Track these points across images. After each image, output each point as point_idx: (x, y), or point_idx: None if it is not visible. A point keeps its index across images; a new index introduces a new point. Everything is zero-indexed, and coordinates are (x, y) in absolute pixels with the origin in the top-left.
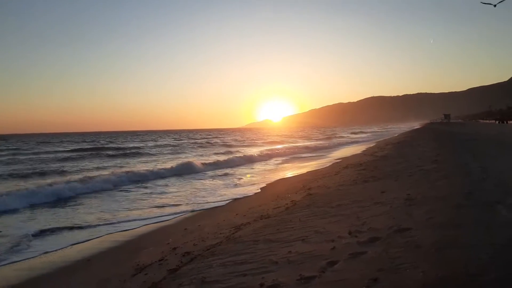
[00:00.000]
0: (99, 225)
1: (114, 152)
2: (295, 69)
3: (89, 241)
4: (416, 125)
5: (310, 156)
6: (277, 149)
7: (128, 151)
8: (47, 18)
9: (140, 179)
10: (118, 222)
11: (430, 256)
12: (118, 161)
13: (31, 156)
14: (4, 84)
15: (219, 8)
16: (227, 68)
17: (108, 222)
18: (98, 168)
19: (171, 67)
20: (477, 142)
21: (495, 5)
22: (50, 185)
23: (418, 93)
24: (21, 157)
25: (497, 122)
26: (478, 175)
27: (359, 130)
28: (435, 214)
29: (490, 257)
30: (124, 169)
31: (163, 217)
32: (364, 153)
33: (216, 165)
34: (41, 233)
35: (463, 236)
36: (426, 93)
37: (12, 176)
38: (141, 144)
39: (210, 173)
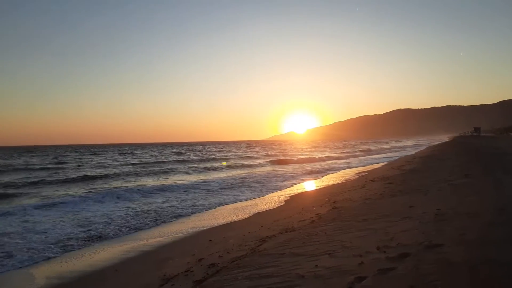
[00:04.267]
0: None
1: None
2: (320, 82)
3: (115, 249)
4: (445, 138)
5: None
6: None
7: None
8: (56, 27)
9: None
10: None
11: (463, 274)
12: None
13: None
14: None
15: (246, 23)
16: (251, 81)
17: None
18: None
19: (196, 80)
20: (509, 157)
21: None
22: None
23: (447, 106)
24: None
25: None
26: (510, 190)
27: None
28: (467, 230)
29: None
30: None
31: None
32: (391, 166)
33: None
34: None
35: (497, 254)
36: (455, 106)
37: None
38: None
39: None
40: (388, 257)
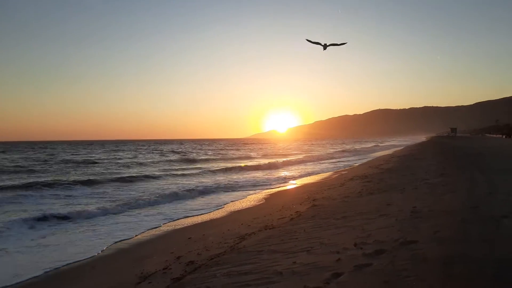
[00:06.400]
0: None
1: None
2: (301, 81)
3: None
4: (422, 138)
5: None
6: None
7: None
8: (48, 19)
9: None
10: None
11: (437, 270)
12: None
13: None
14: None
15: (226, 19)
16: (232, 79)
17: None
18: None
19: (175, 76)
20: (484, 157)
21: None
22: None
23: (424, 107)
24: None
25: (504, 136)
26: (484, 189)
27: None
28: (442, 227)
29: (495, 272)
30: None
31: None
32: (369, 165)
33: None
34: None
35: (469, 251)
36: (432, 107)
37: None
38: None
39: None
40: (364, 253)
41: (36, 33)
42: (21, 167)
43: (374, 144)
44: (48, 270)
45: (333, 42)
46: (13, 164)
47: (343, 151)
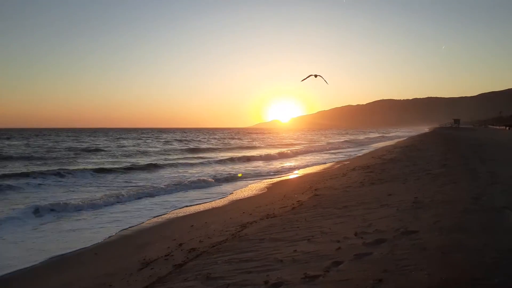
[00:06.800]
0: None
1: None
2: (304, 70)
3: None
4: (425, 129)
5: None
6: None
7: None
8: (48, 14)
9: None
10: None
11: (436, 259)
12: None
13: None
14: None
15: (229, 6)
16: (235, 67)
17: None
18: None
19: (177, 64)
20: (486, 148)
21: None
22: None
23: (428, 97)
24: None
25: (507, 128)
26: (486, 180)
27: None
28: (442, 217)
29: (494, 261)
30: None
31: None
32: (372, 155)
33: None
34: None
35: (469, 240)
36: (436, 97)
37: None
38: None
39: None
40: (365, 242)
41: (40, 26)
42: (26, 154)
43: (379, 135)
44: (50, 256)
45: (322, 76)
46: (17, 151)
47: (345, 141)
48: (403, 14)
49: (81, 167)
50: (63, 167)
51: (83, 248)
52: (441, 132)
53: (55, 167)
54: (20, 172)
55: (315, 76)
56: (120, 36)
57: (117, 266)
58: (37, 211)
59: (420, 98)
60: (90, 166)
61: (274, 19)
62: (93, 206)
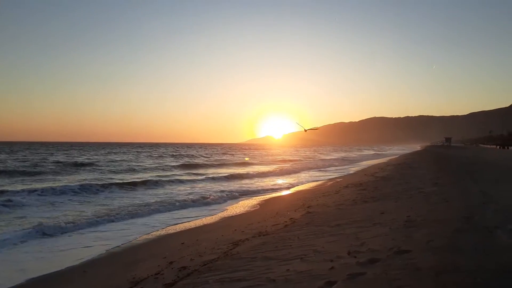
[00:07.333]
0: None
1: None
2: (297, 87)
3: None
4: (417, 147)
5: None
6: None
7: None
8: (52, 22)
9: None
10: None
11: (429, 280)
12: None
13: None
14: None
15: (222, 23)
16: (227, 83)
17: None
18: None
19: (171, 80)
20: (478, 167)
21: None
22: None
23: (419, 116)
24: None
25: (498, 147)
26: (478, 199)
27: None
28: (435, 237)
29: (487, 282)
30: None
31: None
32: (364, 173)
33: None
34: None
35: (462, 261)
36: (427, 116)
37: None
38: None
39: None
40: (358, 262)
41: (37, 37)
42: (13, 169)
43: (373, 152)
44: (37, 276)
45: (312, 127)
46: (3, 165)
47: (338, 158)
48: (395, 35)
49: (69, 182)
50: (50, 183)
51: (71, 266)
52: (433, 150)
53: (41, 183)
54: (2, 189)
55: (305, 130)
56: (110, 52)
57: (106, 284)
58: (23, 229)
59: (412, 117)
60: (78, 182)
61: (267, 36)
62: (81, 223)
